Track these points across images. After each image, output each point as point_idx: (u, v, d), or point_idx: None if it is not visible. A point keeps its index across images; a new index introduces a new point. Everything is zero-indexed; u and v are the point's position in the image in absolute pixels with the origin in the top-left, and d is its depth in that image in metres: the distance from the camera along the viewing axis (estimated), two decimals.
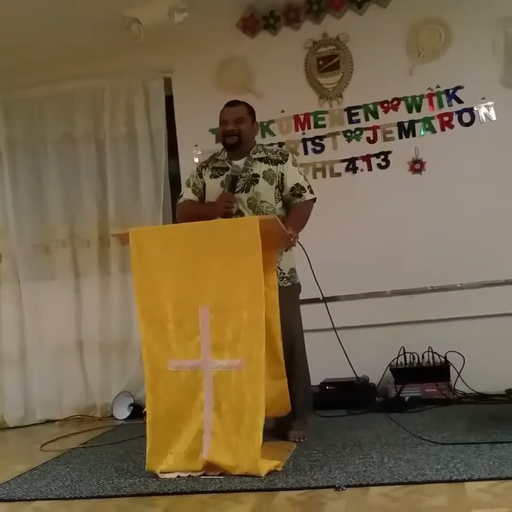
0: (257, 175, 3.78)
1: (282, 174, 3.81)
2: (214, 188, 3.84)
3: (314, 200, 3.87)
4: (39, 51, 5.14)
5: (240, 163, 3.82)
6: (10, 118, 5.60)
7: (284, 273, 3.77)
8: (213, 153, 4.05)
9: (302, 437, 3.70)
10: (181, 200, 4.03)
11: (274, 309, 3.45)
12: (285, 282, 3.77)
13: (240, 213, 3.74)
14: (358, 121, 5.10)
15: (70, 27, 4.90)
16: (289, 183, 3.81)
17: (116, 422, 5.00)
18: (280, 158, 3.86)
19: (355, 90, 5.11)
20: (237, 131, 3.80)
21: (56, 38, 5.01)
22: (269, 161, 3.84)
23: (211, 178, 3.90)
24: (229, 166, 3.83)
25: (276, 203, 3.82)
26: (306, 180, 3.89)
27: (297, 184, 3.82)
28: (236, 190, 3.74)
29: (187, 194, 4.00)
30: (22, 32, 4.87)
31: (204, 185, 3.94)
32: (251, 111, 3.92)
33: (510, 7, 4.81)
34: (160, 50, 5.25)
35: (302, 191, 3.82)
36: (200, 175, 3.97)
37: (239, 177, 3.77)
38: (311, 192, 3.86)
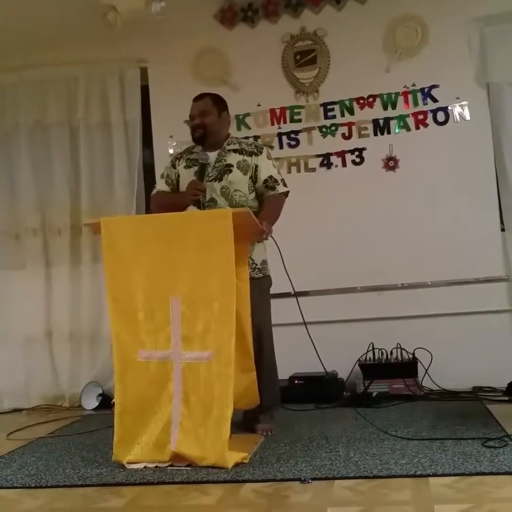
0: (231, 165, 3.79)
1: (256, 166, 3.82)
2: (187, 178, 3.83)
3: (287, 193, 3.88)
4: (13, 37, 5.06)
5: (214, 154, 3.82)
6: None
7: (256, 264, 3.77)
8: (188, 146, 4.04)
9: (269, 430, 3.71)
10: (154, 192, 4.05)
11: (245, 302, 3.45)
12: (257, 273, 3.77)
13: (213, 201, 3.75)
14: (334, 116, 5.11)
15: (45, 13, 4.83)
16: (263, 175, 3.82)
17: (85, 412, 4.98)
18: (255, 150, 3.87)
19: (331, 86, 5.12)
20: (202, 125, 3.82)
21: (30, 24, 4.93)
22: (244, 152, 3.84)
23: (185, 168, 3.89)
24: (199, 155, 3.83)
25: (249, 193, 3.82)
26: (279, 173, 3.90)
27: (271, 176, 3.83)
28: (209, 179, 3.75)
29: (160, 185, 4.02)
30: None
31: (178, 176, 3.94)
32: (217, 102, 3.90)
33: (486, 6, 4.87)
34: (136, 39, 5.22)
35: (275, 184, 3.83)
36: (174, 166, 3.97)
37: (209, 166, 3.77)
38: (285, 185, 3.87)
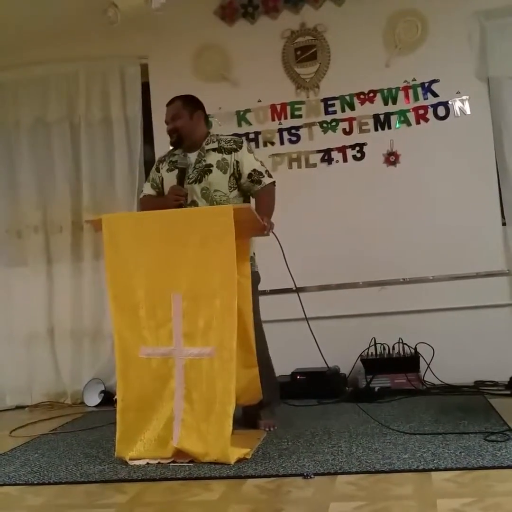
0: (211, 165, 3.77)
1: (237, 162, 3.79)
2: (170, 181, 3.82)
3: (273, 183, 3.86)
4: (14, 34, 5.07)
5: (194, 155, 3.81)
6: None
7: None
8: (171, 148, 4.02)
9: (271, 425, 3.71)
10: (141, 195, 4.08)
11: (246, 297, 3.45)
12: None
13: (194, 204, 3.74)
14: (335, 112, 5.11)
15: (46, 10, 4.84)
16: (246, 170, 3.79)
17: (87, 408, 4.98)
18: (234, 146, 3.83)
19: (332, 81, 5.12)
20: (175, 129, 3.82)
21: (31, 21, 4.94)
22: (223, 150, 3.82)
23: (167, 171, 3.89)
24: (178, 159, 3.83)
25: (230, 191, 3.79)
26: (263, 165, 3.87)
27: (254, 170, 3.80)
28: (190, 182, 3.75)
29: (146, 189, 4.04)
30: None
31: (162, 179, 3.95)
32: (188, 103, 3.87)
33: (486, 0, 4.85)
34: (137, 35, 5.21)
35: (260, 177, 3.81)
36: (158, 170, 3.98)
37: (188, 168, 3.76)
38: (270, 176, 3.85)
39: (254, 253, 3.84)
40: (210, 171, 3.76)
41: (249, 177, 3.80)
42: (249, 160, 3.82)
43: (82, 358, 5.28)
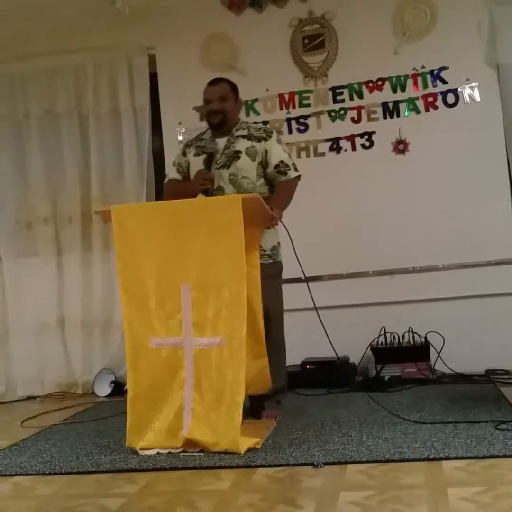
0: (239, 152, 3.76)
1: (266, 151, 3.79)
2: (197, 166, 3.82)
3: (298, 177, 3.86)
4: (22, 25, 5.06)
5: (222, 140, 3.81)
6: None
7: (265, 251, 3.76)
8: (198, 133, 4.03)
9: (274, 416, 3.70)
10: (166, 180, 4.06)
11: (256, 288, 3.45)
12: (266, 259, 3.76)
13: (221, 189, 3.74)
14: (343, 100, 5.09)
15: (54, 2, 4.82)
16: (274, 160, 3.79)
17: (97, 399, 5.00)
18: (264, 135, 3.84)
19: (340, 70, 5.09)
20: (221, 110, 3.79)
21: (39, 13, 4.93)
22: (252, 137, 3.82)
23: (194, 156, 3.89)
24: (206, 144, 3.83)
25: (258, 179, 3.80)
26: (290, 157, 3.88)
27: (282, 161, 3.80)
28: (218, 167, 3.74)
29: (171, 173, 4.03)
30: (3, 6, 4.78)
31: (189, 164, 3.93)
32: (234, 88, 3.89)
33: None
34: (144, 26, 5.19)
35: (286, 169, 3.81)
36: (184, 154, 3.97)
37: (217, 153, 3.76)
38: (296, 169, 3.85)
39: (278, 243, 3.84)
40: (239, 157, 3.75)
41: (276, 168, 3.80)
42: (277, 150, 3.82)
43: (92, 348, 5.30)
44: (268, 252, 3.79)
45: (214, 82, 3.87)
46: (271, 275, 3.76)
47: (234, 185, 3.74)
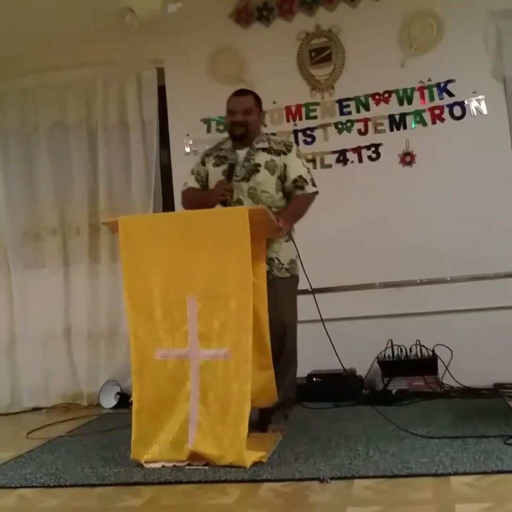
0: (259, 165, 3.76)
1: (285, 165, 3.78)
2: (216, 176, 3.81)
3: (316, 193, 3.85)
4: (32, 39, 5.10)
5: (243, 152, 3.80)
6: (2, 106, 5.57)
7: (283, 264, 3.76)
8: (218, 142, 4.03)
9: (280, 430, 3.68)
10: (184, 188, 4.04)
11: (262, 299, 3.45)
12: (284, 273, 3.76)
13: (239, 202, 3.72)
14: (349, 113, 5.09)
15: (63, 16, 4.86)
16: (292, 175, 3.79)
17: (103, 410, 4.99)
18: (284, 148, 3.83)
19: (347, 82, 5.10)
20: (245, 122, 3.78)
21: (49, 27, 4.97)
22: (272, 151, 3.81)
23: (214, 166, 3.87)
24: (227, 155, 3.82)
25: (276, 193, 3.80)
26: (309, 172, 3.87)
27: (300, 176, 3.80)
28: (237, 179, 3.74)
29: (190, 182, 4.00)
30: (15, 20, 4.82)
31: (207, 173, 3.92)
32: (258, 101, 3.88)
33: (502, 0, 4.81)
34: (153, 40, 5.21)
35: (304, 184, 3.80)
36: (203, 163, 3.95)
37: (237, 165, 3.75)
38: (314, 185, 3.84)
39: (297, 256, 3.80)
40: (258, 171, 3.75)
41: (294, 182, 3.80)
42: (297, 165, 3.82)
43: (98, 359, 5.30)
44: (286, 266, 3.78)
45: (240, 93, 3.86)
46: (288, 289, 3.76)
47: (253, 199, 3.73)
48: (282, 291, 3.62)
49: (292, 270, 3.81)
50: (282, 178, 3.80)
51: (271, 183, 3.77)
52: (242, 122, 3.77)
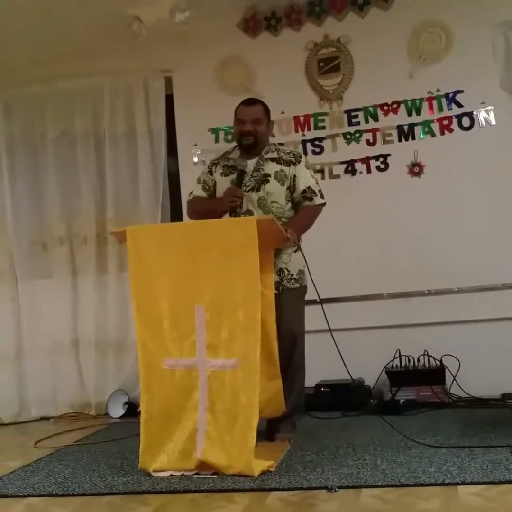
0: (268, 175, 3.75)
1: (294, 176, 3.78)
2: (225, 185, 3.80)
3: (323, 204, 3.86)
4: (40, 48, 5.13)
5: (252, 162, 3.79)
6: (9, 115, 5.60)
7: (292, 275, 3.76)
8: (225, 151, 4.01)
9: (288, 440, 3.67)
10: (190, 196, 4.01)
11: (270, 309, 3.45)
12: (293, 283, 3.77)
13: (249, 213, 3.72)
14: (358, 123, 5.11)
15: (70, 25, 4.90)
16: (301, 186, 3.79)
17: (111, 420, 5.00)
18: (293, 159, 3.83)
19: (355, 93, 5.12)
20: (254, 132, 3.77)
21: (56, 36, 5.01)
22: (281, 161, 3.81)
23: (222, 175, 3.86)
24: (237, 161, 3.80)
25: (286, 204, 3.80)
26: (317, 183, 3.87)
27: (309, 187, 3.80)
28: (246, 189, 3.73)
29: (196, 190, 3.98)
30: (23, 29, 4.85)
31: (215, 183, 3.91)
32: (267, 110, 3.87)
33: (510, 11, 4.83)
34: (161, 49, 5.25)
35: (313, 195, 3.80)
36: (211, 173, 3.94)
37: (247, 174, 3.74)
38: (322, 196, 3.84)
39: (304, 266, 3.79)
40: (268, 181, 3.75)
41: (303, 193, 3.80)
42: (305, 176, 3.82)
43: (106, 369, 5.30)
44: (295, 276, 3.79)
45: (249, 102, 3.85)
46: (297, 299, 3.78)
47: (263, 209, 3.73)
48: (292, 301, 3.63)
49: (301, 280, 3.82)
50: (291, 189, 3.80)
51: (281, 194, 3.77)
52: (251, 132, 3.76)
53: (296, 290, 3.78)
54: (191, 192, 4.02)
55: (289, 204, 3.82)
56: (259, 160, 3.80)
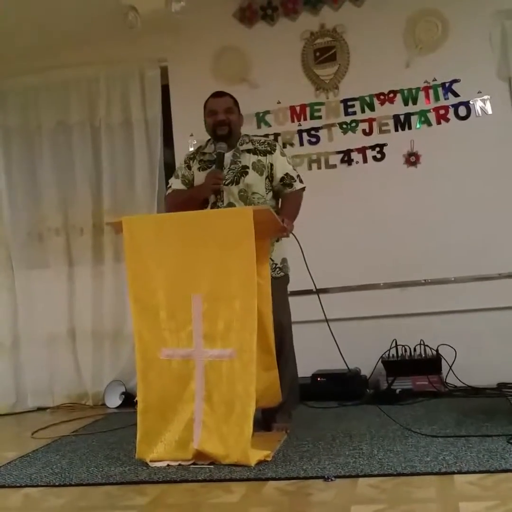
0: (247, 167, 3.76)
1: (271, 165, 3.80)
2: (202, 179, 3.79)
3: (303, 189, 3.87)
4: (35, 38, 5.12)
5: (228, 155, 3.79)
6: (5, 105, 5.59)
7: (276, 264, 3.77)
8: (199, 146, 4.01)
9: (285, 429, 3.69)
10: (169, 191, 4.00)
11: (266, 299, 3.45)
12: (278, 272, 3.78)
13: (231, 205, 3.72)
14: (354, 113, 5.10)
15: (66, 15, 4.88)
16: (279, 173, 3.80)
17: (108, 410, 5.01)
18: (268, 148, 3.84)
19: (351, 82, 5.11)
20: (228, 121, 3.79)
21: (52, 26, 4.99)
22: (258, 152, 3.81)
23: (199, 170, 3.87)
24: (216, 146, 3.79)
25: (267, 194, 3.81)
26: (294, 169, 3.89)
27: (287, 174, 3.81)
28: (226, 183, 3.73)
29: (175, 184, 3.96)
30: (17, 19, 4.84)
31: (194, 177, 3.91)
32: (236, 102, 3.89)
33: (507, 0, 4.81)
34: (156, 38, 5.23)
35: (292, 181, 3.82)
36: (189, 167, 3.93)
37: (224, 168, 3.73)
38: (301, 181, 3.86)
39: (287, 254, 3.83)
40: (247, 173, 3.75)
41: (281, 180, 3.81)
42: (282, 163, 3.83)
43: (103, 359, 5.31)
44: (279, 265, 3.80)
45: (219, 94, 3.88)
46: (282, 288, 3.80)
47: (245, 201, 3.73)
48: (278, 290, 3.62)
49: (285, 269, 3.84)
50: (270, 178, 3.81)
51: (260, 184, 3.78)
52: (225, 121, 3.78)
53: (281, 279, 3.79)
54: (170, 186, 4.00)
55: (270, 194, 3.83)
56: (235, 152, 3.81)
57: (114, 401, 5.07)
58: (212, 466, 3.09)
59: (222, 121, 3.78)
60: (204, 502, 2.68)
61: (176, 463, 3.16)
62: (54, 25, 4.99)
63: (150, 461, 3.19)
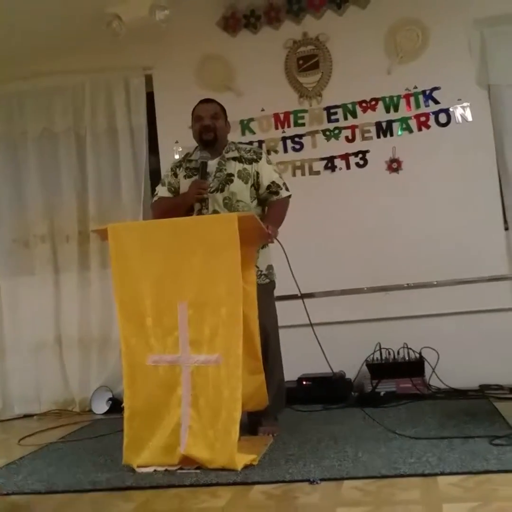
0: (232, 175, 3.78)
1: (257, 173, 3.82)
2: (187, 188, 3.81)
3: (289, 196, 3.90)
4: (19, 46, 5.11)
5: (214, 163, 3.81)
6: None
7: (261, 271, 3.79)
8: (186, 153, 4.04)
9: (272, 432, 3.72)
10: (155, 198, 4.02)
11: (252, 305, 3.47)
12: (263, 279, 3.80)
13: (216, 213, 3.73)
14: (337, 120, 5.14)
15: (51, 23, 4.87)
16: (265, 182, 3.82)
17: (95, 416, 5.01)
18: (254, 156, 3.86)
19: (334, 90, 5.15)
20: (213, 126, 3.81)
21: (36, 33, 4.98)
22: (243, 160, 3.83)
23: (185, 178, 3.89)
24: (199, 154, 3.81)
25: (252, 202, 3.83)
26: (281, 177, 3.91)
27: (273, 182, 3.83)
28: (211, 191, 3.75)
29: (161, 192, 3.98)
30: (1, 27, 4.83)
31: (180, 184, 3.93)
32: (224, 109, 3.92)
33: (486, 8, 4.89)
34: (141, 47, 5.25)
35: (278, 189, 3.84)
36: (175, 175, 3.95)
37: (209, 175, 3.75)
38: (287, 189, 3.88)
39: (272, 261, 3.87)
40: (232, 181, 3.77)
41: (268, 189, 3.83)
42: (268, 172, 3.85)
43: (89, 366, 5.31)
44: (264, 272, 3.83)
45: (206, 100, 3.91)
46: (268, 294, 3.82)
47: (229, 209, 3.75)
48: (263, 296, 3.65)
49: (270, 275, 3.87)
50: (256, 186, 3.83)
51: (245, 192, 3.80)
52: (210, 126, 3.80)
53: (266, 286, 3.82)
54: (156, 194, 4.02)
55: (255, 202, 3.85)
56: (220, 160, 3.82)
57: (101, 407, 5.07)
58: (198, 471, 3.11)
59: (208, 127, 3.81)
60: (191, 507, 2.70)
61: (163, 469, 3.18)
62: (39, 32, 4.99)
63: (137, 466, 3.20)
